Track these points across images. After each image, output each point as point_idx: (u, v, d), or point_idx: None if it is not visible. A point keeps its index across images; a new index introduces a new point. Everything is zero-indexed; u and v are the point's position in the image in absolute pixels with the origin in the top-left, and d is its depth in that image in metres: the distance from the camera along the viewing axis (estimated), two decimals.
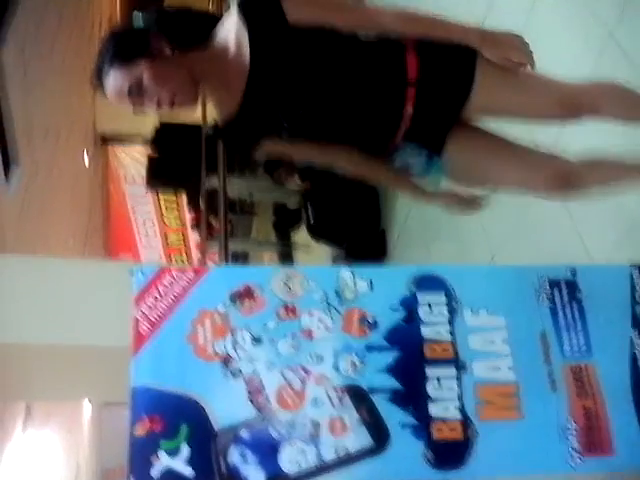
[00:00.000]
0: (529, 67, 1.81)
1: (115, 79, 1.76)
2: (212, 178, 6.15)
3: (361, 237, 5.20)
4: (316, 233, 5.89)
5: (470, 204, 2.04)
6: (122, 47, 1.78)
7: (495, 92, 1.86)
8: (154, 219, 10.76)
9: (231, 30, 1.80)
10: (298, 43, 1.76)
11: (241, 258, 7.76)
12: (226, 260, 5.31)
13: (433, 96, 1.84)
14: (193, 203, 8.33)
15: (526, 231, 3.04)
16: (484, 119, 2.00)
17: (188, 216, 9.96)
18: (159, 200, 10.32)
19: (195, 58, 1.84)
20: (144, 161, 8.30)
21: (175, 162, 7.36)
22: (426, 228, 4.29)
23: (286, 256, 7.36)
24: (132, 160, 9.89)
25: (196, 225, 8.85)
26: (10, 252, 4.40)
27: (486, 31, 1.83)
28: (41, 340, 3.12)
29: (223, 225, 5.44)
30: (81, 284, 3.24)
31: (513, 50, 1.79)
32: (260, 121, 1.89)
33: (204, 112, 6.37)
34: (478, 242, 3.50)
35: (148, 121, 7.82)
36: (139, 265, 1.70)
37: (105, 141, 9.69)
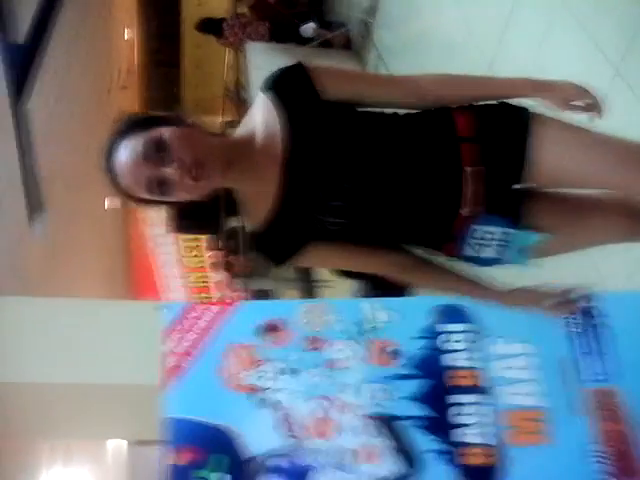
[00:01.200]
0: (595, 117, 1.54)
1: (128, 146, 1.42)
2: (232, 219, 6.24)
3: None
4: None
5: (563, 302, 1.59)
6: (140, 118, 1.49)
7: (559, 152, 1.54)
8: (175, 260, 10.85)
9: (258, 114, 1.55)
10: (336, 122, 1.52)
11: (263, 296, 7.80)
12: (249, 300, 5.34)
13: (492, 153, 1.53)
14: (213, 244, 8.42)
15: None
16: (553, 186, 1.68)
17: (208, 256, 10.04)
18: (180, 241, 10.42)
19: (223, 141, 1.55)
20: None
21: (196, 203, 7.42)
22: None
23: (308, 293, 7.39)
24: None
25: (217, 265, 8.92)
26: (36, 294, 4.47)
27: (536, 79, 1.60)
28: (67, 379, 3.16)
29: (244, 265, 5.48)
30: (108, 323, 3.29)
31: (574, 92, 1.54)
32: (302, 219, 1.54)
33: None
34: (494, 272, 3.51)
35: None
36: (165, 302, 1.76)
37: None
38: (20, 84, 4.46)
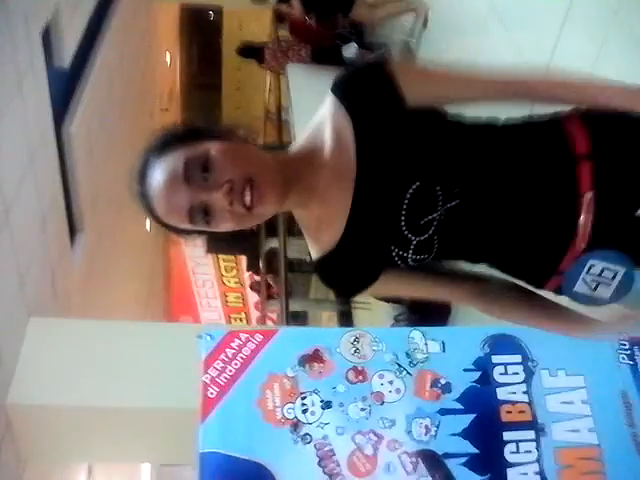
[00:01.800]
0: None
1: (166, 164, 1.19)
2: (270, 240, 6.21)
3: None
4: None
5: None
6: (181, 131, 1.26)
7: None
8: (213, 280, 10.89)
9: (326, 123, 1.28)
10: (424, 137, 1.23)
11: (300, 318, 7.75)
12: (287, 321, 5.29)
13: (612, 174, 1.25)
14: (252, 265, 8.41)
15: None
16: None
17: (247, 276, 10.05)
18: (218, 261, 10.45)
19: (279, 158, 1.28)
20: None
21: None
22: None
23: (346, 315, 7.30)
24: None
25: (255, 286, 8.91)
26: (76, 316, 4.48)
27: (633, 89, 1.33)
28: (106, 403, 3.15)
29: (284, 286, 5.42)
30: (147, 347, 3.27)
31: None
32: (377, 250, 1.29)
33: None
34: None
35: None
36: (207, 328, 1.70)
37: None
38: (64, 108, 4.52)
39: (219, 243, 7.99)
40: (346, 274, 1.33)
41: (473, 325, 4.17)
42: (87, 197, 4.96)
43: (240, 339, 1.67)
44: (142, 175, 1.22)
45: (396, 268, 1.29)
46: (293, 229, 6.82)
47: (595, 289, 1.26)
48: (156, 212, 1.22)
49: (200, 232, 1.26)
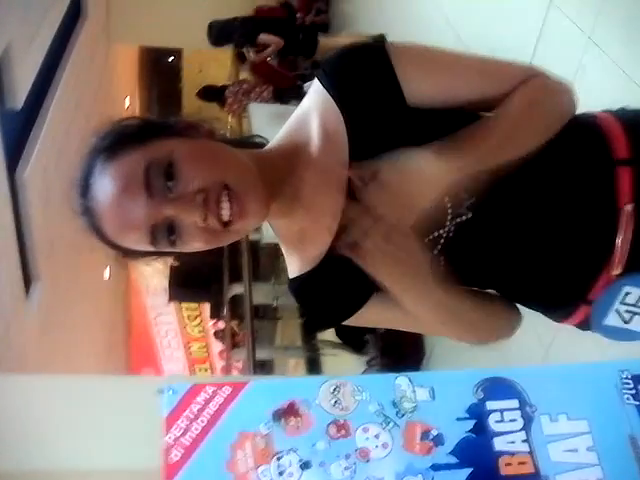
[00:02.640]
0: None
1: (119, 169, 0.94)
2: (235, 285, 6.05)
3: (397, 340, 4.98)
4: (345, 336, 5.68)
5: None
6: (134, 126, 1.01)
7: None
8: (176, 329, 10.65)
9: (311, 116, 1.07)
10: (427, 129, 1.03)
11: (266, 366, 7.55)
12: (253, 370, 5.10)
13: None
14: (216, 312, 8.21)
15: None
16: None
17: (211, 325, 9.84)
18: (181, 310, 10.22)
19: (259, 158, 1.06)
20: (166, 272, 8.24)
21: (198, 271, 7.31)
22: None
23: (314, 362, 7.13)
24: (154, 271, 9.81)
25: (219, 334, 8.70)
26: (31, 371, 4.26)
27: None
28: (60, 465, 2.93)
29: (250, 334, 5.25)
30: (108, 403, 3.07)
31: None
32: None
33: None
34: (528, 342, 3.29)
35: None
36: (169, 381, 1.52)
37: (127, 252, 9.66)
38: (17, 151, 4.36)
39: (182, 290, 7.81)
40: (329, 298, 1.13)
41: (450, 367, 4.04)
42: (43, 244, 4.78)
43: (206, 393, 1.49)
44: (85, 185, 0.98)
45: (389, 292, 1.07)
46: (258, 273, 6.68)
47: (629, 321, 1.07)
48: (105, 232, 0.98)
49: (161, 254, 1.06)
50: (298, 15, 7.48)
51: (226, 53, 8.01)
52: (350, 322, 1.14)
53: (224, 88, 6.73)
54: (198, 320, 10.50)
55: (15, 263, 4.18)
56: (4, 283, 3.91)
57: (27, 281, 4.51)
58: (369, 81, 1.02)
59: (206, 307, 9.22)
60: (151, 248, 0.99)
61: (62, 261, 5.58)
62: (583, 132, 1.07)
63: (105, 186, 0.95)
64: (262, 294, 6.55)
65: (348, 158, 1.04)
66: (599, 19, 2.55)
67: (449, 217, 1.03)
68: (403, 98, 1.02)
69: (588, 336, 1.19)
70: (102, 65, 7.89)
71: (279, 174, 1.06)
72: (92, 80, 7.01)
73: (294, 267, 1.14)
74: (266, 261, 7.24)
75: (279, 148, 1.09)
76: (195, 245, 0.98)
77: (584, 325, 1.11)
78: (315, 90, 1.07)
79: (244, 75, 7.18)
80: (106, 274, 8.19)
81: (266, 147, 1.10)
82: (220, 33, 5.74)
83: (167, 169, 0.93)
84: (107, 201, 0.95)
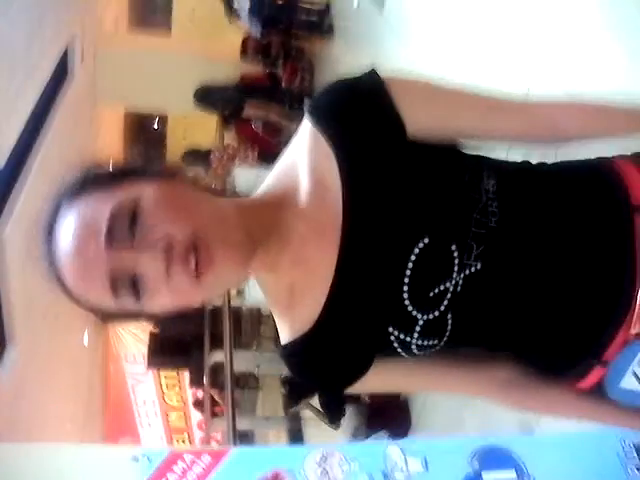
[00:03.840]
0: None
1: (80, 212, 0.86)
2: (216, 353, 5.92)
3: (382, 406, 4.86)
4: (326, 402, 5.54)
5: None
6: (102, 171, 0.93)
7: None
8: (155, 398, 10.38)
9: (301, 159, 0.97)
10: (437, 180, 0.93)
11: (246, 437, 7.32)
12: (234, 441, 4.92)
13: None
14: (195, 380, 8.03)
15: None
16: None
17: (190, 393, 9.60)
18: (160, 378, 9.98)
19: (239, 204, 0.97)
20: (145, 339, 8.12)
21: (178, 338, 7.20)
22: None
23: (297, 433, 6.93)
24: (133, 338, 9.67)
25: (199, 403, 8.49)
26: (2, 438, 4.07)
27: None
28: None
29: (230, 403, 5.09)
30: (82, 472, 2.92)
31: None
32: (369, 330, 0.97)
33: None
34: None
35: None
36: (145, 449, 1.42)
37: (106, 318, 9.52)
38: None
39: (161, 357, 7.64)
40: (326, 365, 1.00)
41: (437, 434, 3.91)
42: (20, 306, 4.65)
43: (184, 461, 1.40)
44: (49, 229, 0.89)
45: (394, 355, 0.97)
46: (240, 340, 6.55)
47: None
48: (67, 285, 0.88)
49: (133, 315, 0.93)
50: (283, 84, 7.58)
51: (211, 119, 8.07)
52: (361, 389, 1.03)
53: (208, 152, 6.74)
54: (177, 389, 10.26)
55: None
56: None
57: (1, 344, 4.37)
58: (364, 115, 0.93)
59: (185, 375, 9.03)
60: (114, 304, 0.88)
61: (39, 325, 5.44)
62: (598, 177, 1.01)
63: (66, 228, 0.86)
64: (244, 362, 6.41)
65: (342, 204, 0.93)
66: None
67: (456, 268, 0.92)
68: (403, 131, 0.93)
69: None
70: (86, 127, 7.91)
71: (265, 223, 0.96)
72: (76, 142, 7.00)
73: (285, 332, 1.02)
74: (248, 327, 7.12)
75: (266, 195, 1.00)
76: (162, 301, 0.88)
77: (598, 388, 1.01)
78: (304, 129, 0.98)
79: (228, 140, 7.21)
80: (85, 340, 8.02)
81: (252, 195, 1.01)
82: (205, 96, 5.79)
83: (132, 215, 0.84)
84: (67, 247, 0.86)
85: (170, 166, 0.97)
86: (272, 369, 7.03)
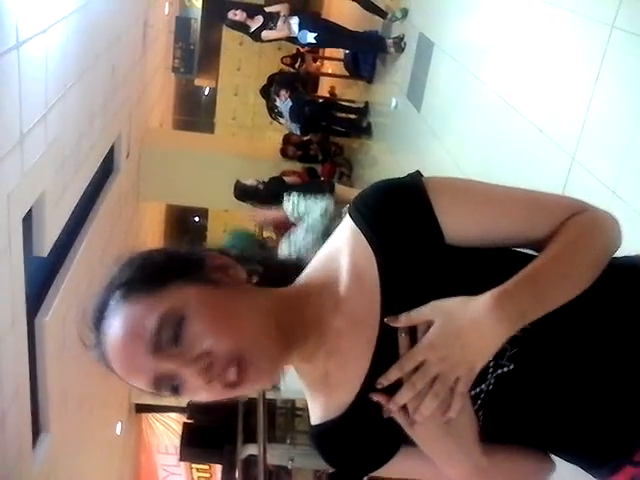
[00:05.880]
0: None
1: (128, 316, 0.92)
2: (249, 446, 5.83)
3: None
4: None
5: None
6: (150, 268, 0.96)
7: None
8: None
9: (342, 253, 1.01)
10: (467, 275, 0.97)
11: None
12: None
13: None
14: (228, 474, 7.88)
15: None
16: None
17: None
18: (192, 471, 9.82)
19: (279, 296, 1.01)
20: (178, 430, 8.05)
21: (211, 430, 7.12)
22: None
23: None
24: (166, 429, 9.59)
25: None
26: None
27: None
28: None
29: None
30: None
31: None
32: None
33: None
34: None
35: None
36: None
37: (140, 409, 9.49)
38: (39, 297, 4.37)
39: (193, 449, 7.54)
40: (355, 449, 1.04)
41: None
42: (56, 394, 4.66)
43: None
44: (99, 317, 0.95)
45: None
46: (273, 434, 6.44)
47: None
48: (114, 369, 0.96)
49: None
50: (322, 179, 7.74)
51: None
52: (388, 473, 1.06)
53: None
54: None
55: (25, 410, 4.05)
56: (10, 431, 3.77)
57: (36, 431, 4.36)
58: (405, 219, 0.97)
59: (218, 468, 8.87)
60: (154, 393, 0.95)
61: (74, 414, 5.43)
62: (626, 275, 1.02)
63: (115, 327, 0.93)
64: (277, 455, 6.28)
65: (380, 303, 0.97)
66: (622, 175, 2.58)
67: (490, 370, 0.95)
68: (441, 237, 0.97)
69: None
70: (129, 220, 8.11)
71: (303, 318, 1.00)
72: (119, 233, 7.18)
73: (317, 413, 1.06)
74: (282, 421, 7.01)
75: (306, 287, 1.02)
76: (199, 399, 0.95)
77: None
78: (346, 227, 1.01)
79: (268, 233, 7.33)
80: (118, 429, 7.96)
81: (292, 285, 1.04)
82: (244, 191, 5.93)
83: (178, 323, 0.90)
84: (115, 344, 0.93)
85: (224, 264, 1.00)
86: (306, 462, 6.88)
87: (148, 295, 0.92)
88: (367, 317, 0.98)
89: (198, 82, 14.17)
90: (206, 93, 14.67)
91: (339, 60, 9.20)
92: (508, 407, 0.98)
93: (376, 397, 0.95)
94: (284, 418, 6.89)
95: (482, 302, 0.90)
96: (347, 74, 8.75)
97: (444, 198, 0.98)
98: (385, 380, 0.93)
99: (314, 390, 1.06)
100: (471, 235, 0.98)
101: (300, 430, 6.79)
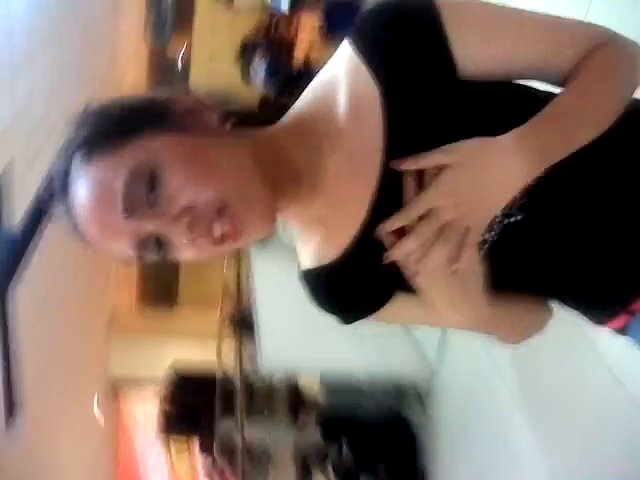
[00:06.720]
0: None
1: (94, 178, 0.83)
2: (227, 421, 5.81)
3: (399, 476, 4.72)
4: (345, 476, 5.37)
5: None
6: (110, 121, 0.86)
7: None
8: (164, 465, 10.20)
9: (339, 83, 0.91)
10: (481, 111, 0.88)
11: None
12: None
13: None
14: (206, 449, 7.89)
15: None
16: None
17: (200, 463, 9.41)
18: (169, 446, 9.82)
19: (267, 139, 0.92)
20: (156, 405, 8.07)
21: (190, 404, 7.16)
22: (473, 468, 3.82)
23: None
24: (144, 404, 9.57)
25: (209, 472, 8.32)
26: None
27: None
28: None
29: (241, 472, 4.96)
30: None
31: None
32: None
33: (219, 350, 6.15)
34: (529, 461, 3.14)
35: (163, 362, 7.69)
36: None
37: (117, 384, 9.43)
38: (9, 272, 4.23)
39: (172, 422, 7.56)
40: (345, 294, 1.01)
41: None
42: (30, 372, 4.55)
43: None
44: (64, 183, 0.87)
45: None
46: (252, 408, 6.39)
47: None
48: (88, 238, 0.88)
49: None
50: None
51: None
52: (382, 319, 1.04)
53: None
54: (187, 458, 10.09)
55: None
56: None
57: (9, 410, 4.26)
58: (414, 46, 0.86)
59: (196, 444, 8.88)
60: (137, 256, 0.88)
61: (49, 391, 5.33)
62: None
63: (82, 194, 0.84)
64: (254, 429, 6.26)
65: (383, 143, 0.88)
66: None
67: (498, 219, 0.91)
68: (454, 70, 0.87)
69: None
70: None
71: (294, 159, 0.92)
72: None
73: (308, 258, 1.01)
74: (259, 398, 6.99)
75: (297, 125, 0.94)
76: (186, 256, 0.87)
77: (621, 332, 1.04)
78: (345, 55, 0.91)
79: None
80: (95, 407, 7.90)
81: (282, 119, 0.95)
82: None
83: (150, 178, 0.81)
84: (85, 212, 0.85)
85: (197, 107, 0.89)
86: (284, 439, 6.88)
87: (112, 152, 0.83)
88: (367, 159, 0.90)
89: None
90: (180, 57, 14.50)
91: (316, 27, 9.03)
92: (513, 256, 0.96)
93: (384, 232, 0.87)
94: (262, 394, 6.88)
95: (505, 141, 0.83)
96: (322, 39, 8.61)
97: (461, 20, 0.88)
98: (388, 226, 0.86)
99: (306, 235, 1.01)
100: (487, 65, 0.89)
101: (279, 405, 6.76)
